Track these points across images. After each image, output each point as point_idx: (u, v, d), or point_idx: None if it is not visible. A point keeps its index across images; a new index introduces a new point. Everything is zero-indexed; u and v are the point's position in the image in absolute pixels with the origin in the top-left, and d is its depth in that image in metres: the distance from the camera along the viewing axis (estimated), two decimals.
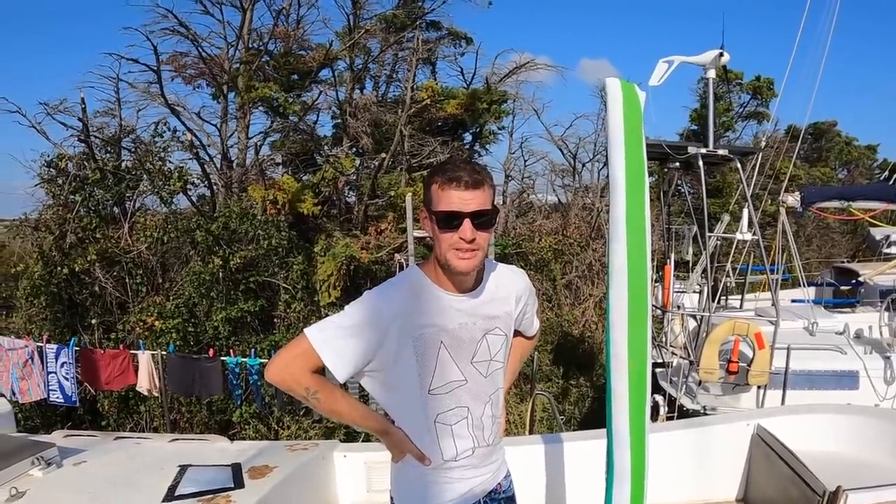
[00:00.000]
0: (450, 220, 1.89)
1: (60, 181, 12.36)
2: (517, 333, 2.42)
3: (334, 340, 1.95)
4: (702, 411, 8.17)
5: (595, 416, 13.31)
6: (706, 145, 8.66)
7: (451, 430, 2.09)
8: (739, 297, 11.13)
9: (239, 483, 2.89)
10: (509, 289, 2.22)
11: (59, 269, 11.41)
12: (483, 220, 1.91)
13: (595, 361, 15.56)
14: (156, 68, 13.79)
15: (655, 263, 11.06)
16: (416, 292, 2.03)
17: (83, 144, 12.98)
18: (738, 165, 9.00)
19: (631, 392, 1.74)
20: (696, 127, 24.27)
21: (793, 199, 10.35)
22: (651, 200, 1.92)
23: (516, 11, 47.64)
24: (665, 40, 56.02)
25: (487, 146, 20.01)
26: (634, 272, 1.74)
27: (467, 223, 1.88)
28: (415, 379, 2.02)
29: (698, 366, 8.22)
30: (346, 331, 1.95)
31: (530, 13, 48.94)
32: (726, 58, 8.54)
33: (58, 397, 8.78)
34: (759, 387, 8.13)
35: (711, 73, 8.73)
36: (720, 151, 8.70)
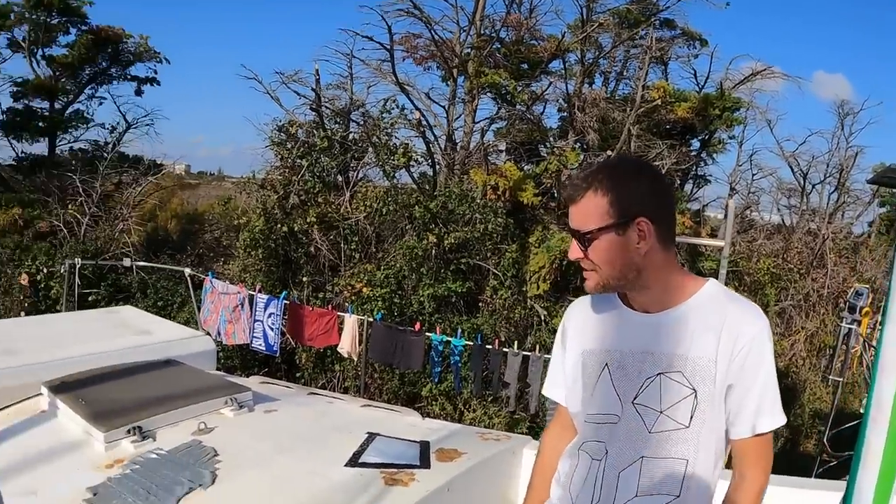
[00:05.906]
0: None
1: (289, 145, 13.01)
2: (732, 431, 1.68)
3: (549, 375, 1.96)
4: None
5: (787, 459, 12.29)
6: None
7: (590, 466, 1.75)
8: None
9: (425, 462, 2.71)
10: (721, 324, 1.63)
11: (279, 226, 11.89)
12: (586, 237, 1.65)
13: (796, 400, 14.41)
14: (389, 47, 14.21)
15: None
16: (596, 303, 1.84)
17: (314, 113, 13.73)
18: None
19: (887, 447, 1.26)
20: None
21: None
22: None
23: (754, 15, 44.64)
24: None
25: (714, 155, 19.10)
26: None
27: (573, 243, 1.71)
28: (579, 398, 1.81)
29: None
30: (553, 357, 1.95)
31: (768, 18, 45.78)
32: None
33: (260, 345, 9.08)
34: None
35: None
36: None
